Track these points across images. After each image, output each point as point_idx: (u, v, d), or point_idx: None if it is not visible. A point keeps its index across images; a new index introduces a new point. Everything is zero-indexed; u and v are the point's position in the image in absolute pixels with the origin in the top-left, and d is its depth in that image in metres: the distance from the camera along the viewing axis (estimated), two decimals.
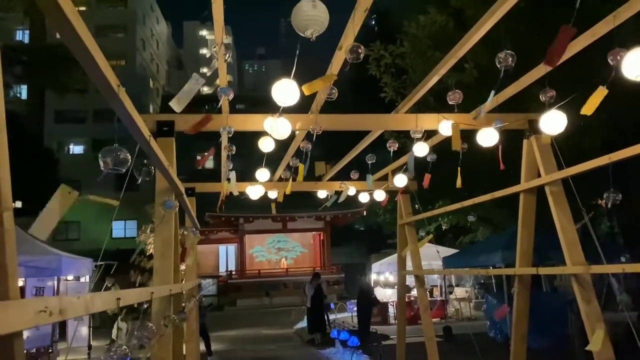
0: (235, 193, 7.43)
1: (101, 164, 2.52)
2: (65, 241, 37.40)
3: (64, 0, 1.89)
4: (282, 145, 6.58)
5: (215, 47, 3.90)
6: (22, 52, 21.46)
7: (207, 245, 30.88)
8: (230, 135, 5.93)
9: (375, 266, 23.22)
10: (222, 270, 33.69)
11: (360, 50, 3.81)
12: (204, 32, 76.80)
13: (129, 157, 2.61)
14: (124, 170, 2.66)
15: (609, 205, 4.86)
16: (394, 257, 17.54)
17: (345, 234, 36.06)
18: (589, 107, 4.09)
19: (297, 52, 3.36)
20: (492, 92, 4.97)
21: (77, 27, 2.02)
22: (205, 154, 7.08)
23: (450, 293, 22.34)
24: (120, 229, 37.11)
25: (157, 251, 5.05)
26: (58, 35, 2.07)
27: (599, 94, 4.02)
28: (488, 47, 7.32)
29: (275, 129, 4.92)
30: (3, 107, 1.58)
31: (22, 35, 38.17)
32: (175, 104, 3.91)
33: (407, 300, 14.11)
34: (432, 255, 14.18)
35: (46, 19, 1.90)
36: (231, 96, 4.89)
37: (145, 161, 3.97)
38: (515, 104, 6.33)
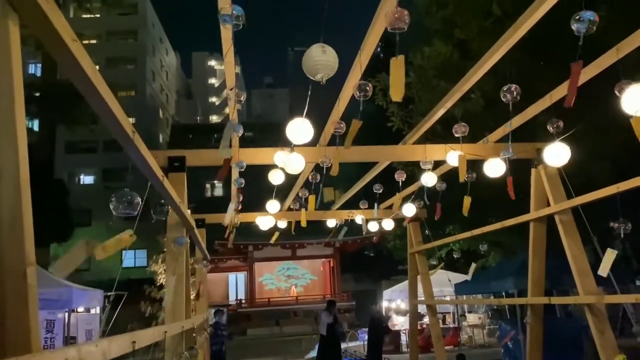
0: (225, 223, 7.45)
1: (112, 208, 2.58)
2: (76, 272, 37.44)
3: (81, 54, 1.98)
4: (291, 175, 6.64)
5: (226, 91, 3.99)
6: (35, 88, 21.78)
7: (216, 274, 30.79)
8: (242, 170, 6.00)
9: (386, 293, 23.00)
10: (231, 299, 33.50)
11: (368, 88, 3.90)
12: (212, 62, 77.88)
13: (140, 200, 2.67)
14: (136, 213, 2.72)
15: (620, 235, 4.85)
16: (405, 284, 17.40)
17: (355, 260, 35.83)
18: None
19: (308, 93, 3.44)
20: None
21: (95, 82, 2.11)
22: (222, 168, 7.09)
23: (463, 320, 22.04)
24: (130, 258, 37.13)
25: (169, 287, 5.08)
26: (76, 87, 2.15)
27: (637, 126, 3.98)
28: (494, 77, 7.42)
29: (288, 164, 4.98)
30: (27, 169, 1.64)
31: (35, 69, 38.90)
32: (224, 153, 4.00)
33: (419, 327, 13.96)
34: (444, 281, 14.05)
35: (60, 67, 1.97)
36: (241, 132, 4.97)
37: (162, 201, 4.03)
38: (522, 131, 6.37)
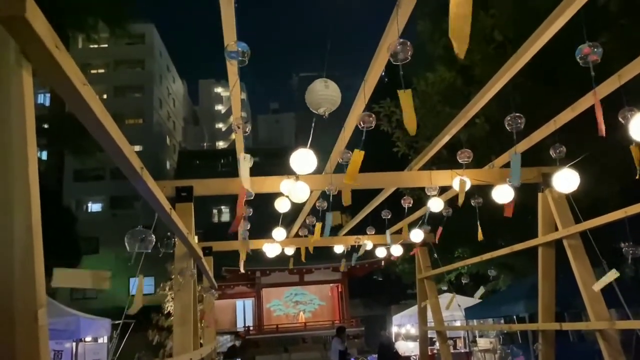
0: (248, 252, 7.44)
1: (127, 246, 2.61)
2: (83, 299, 37.40)
3: (91, 98, 2.03)
4: (297, 202, 6.67)
5: (234, 122, 4.04)
6: (44, 119, 22.07)
7: (224, 301, 30.58)
8: (251, 198, 6.02)
9: (396, 318, 22.75)
10: (239, 325, 33.20)
11: (371, 119, 3.95)
12: (219, 89, 78.80)
13: (154, 238, 2.70)
14: (150, 250, 2.75)
15: (629, 259, 4.82)
16: (414, 309, 17.22)
17: (363, 285, 35.54)
18: None
19: (313, 125, 3.48)
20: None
21: (104, 123, 2.16)
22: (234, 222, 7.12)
23: (474, 345, 21.69)
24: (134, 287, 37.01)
25: (177, 317, 5.07)
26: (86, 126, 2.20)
27: (637, 155, 4.01)
28: (498, 102, 7.48)
29: (294, 193, 5.01)
30: (39, 212, 1.68)
31: (44, 99, 39.45)
32: (246, 185, 4.04)
33: (430, 353, 13.77)
34: (453, 306, 13.90)
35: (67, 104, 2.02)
36: (251, 163, 5.00)
37: (168, 233, 4.06)
38: (528, 154, 6.38)
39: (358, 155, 4.29)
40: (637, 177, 3.92)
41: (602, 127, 3.56)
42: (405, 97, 3.13)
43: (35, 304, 1.66)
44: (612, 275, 5.14)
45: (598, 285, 5.22)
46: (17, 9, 1.48)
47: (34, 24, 1.54)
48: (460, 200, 5.66)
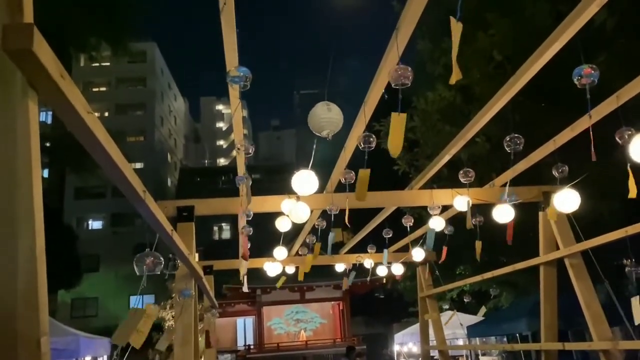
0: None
1: (136, 269, 2.63)
2: (83, 318, 37.17)
3: (95, 125, 2.06)
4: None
5: (236, 143, 4.07)
6: (45, 138, 22.14)
7: (224, 319, 30.38)
8: (249, 219, 6.04)
9: (398, 337, 22.57)
10: (240, 344, 32.95)
11: (372, 139, 3.98)
12: (220, 107, 79.20)
13: (162, 260, 2.72)
14: (159, 273, 2.77)
15: (633, 279, 4.81)
16: (416, 327, 17.10)
17: (365, 302, 35.33)
18: (632, 191, 4.06)
19: (314, 147, 3.51)
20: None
21: (108, 149, 2.18)
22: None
23: None
24: (138, 304, 36.79)
25: (178, 338, 5.05)
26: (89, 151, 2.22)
27: (631, 178, 4.04)
28: (498, 121, 7.53)
29: (294, 214, 5.02)
30: (43, 240, 1.69)
31: (46, 116, 39.68)
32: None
33: None
34: (455, 324, 13.82)
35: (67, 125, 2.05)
36: (249, 183, 5.03)
37: (170, 255, 4.07)
38: (528, 173, 6.39)
39: (364, 174, 4.29)
40: (628, 197, 3.94)
41: (594, 153, 3.60)
42: (399, 120, 3.16)
43: (39, 332, 1.67)
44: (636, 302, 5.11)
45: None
46: (25, 43, 1.51)
47: (41, 56, 1.57)
48: (468, 224, 5.66)
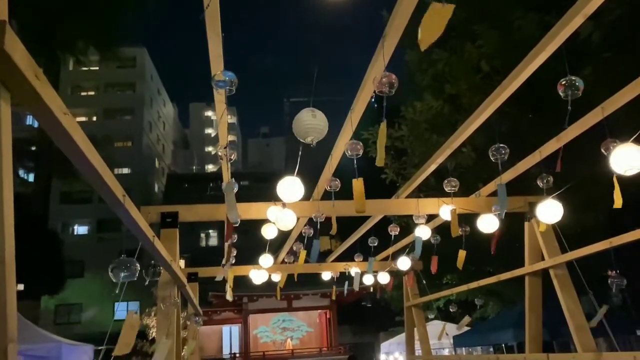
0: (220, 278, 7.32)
1: (112, 276, 2.58)
2: (67, 324, 36.67)
3: (71, 127, 2.01)
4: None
5: (219, 148, 4.03)
6: (31, 143, 21.91)
7: (210, 327, 30.13)
8: (236, 225, 5.98)
9: (384, 346, 22.51)
10: (225, 352, 32.69)
11: (359, 147, 3.96)
12: (209, 113, 78.92)
13: (138, 267, 2.67)
14: (136, 279, 2.72)
15: (614, 290, 4.82)
16: (403, 337, 17.07)
17: (352, 311, 35.24)
18: (618, 201, 4.08)
19: (299, 154, 3.48)
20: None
21: (85, 151, 2.13)
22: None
23: None
24: (123, 310, 36.41)
25: (160, 347, 4.96)
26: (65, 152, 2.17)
27: (617, 188, 4.07)
28: (484, 131, 7.57)
29: (280, 221, 4.98)
30: (13, 248, 1.64)
31: (32, 120, 39.31)
32: (231, 216, 3.99)
33: None
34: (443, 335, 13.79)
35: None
36: (236, 189, 4.99)
37: (152, 262, 4.01)
38: (515, 182, 6.41)
39: (358, 185, 4.23)
40: (613, 207, 3.97)
41: (559, 166, 3.63)
42: (382, 131, 3.19)
43: (6, 339, 1.62)
44: (603, 310, 5.27)
45: (593, 323, 5.30)
46: None
47: (14, 55, 1.53)
48: (454, 232, 5.65)
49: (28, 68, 1.63)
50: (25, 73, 1.61)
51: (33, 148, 21.72)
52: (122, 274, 2.62)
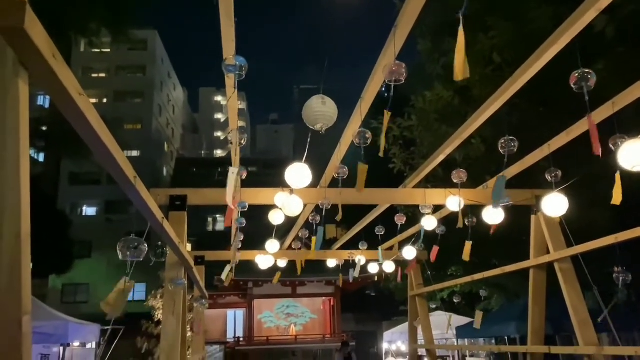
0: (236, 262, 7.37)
1: (120, 254, 2.63)
2: (74, 304, 37.14)
3: (86, 107, 2.05)
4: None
5: (230, 131, 4.06)
6: (42, 122, 22.01)
7: (215, 310, 30.41)
8: (245, 210, 6.02)
9: (387, 335, 22.64)
10: (230, 336, 33.00)
11: (367, 136, 3.98)
12: (219, 98, 78.95)
13: (146, 247, 2.72)
14: (142, 259, 2.76)
15: (619, 286, 4.84)
16: (406, 326, 17.17)
17: (356, 299, 35.41)
18: (617, 197, 4.09)
19: (308, 140, 3.51)
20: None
21: (99, 132, 2.17)
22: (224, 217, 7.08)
23: None
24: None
25: (166, 327, 5.05)
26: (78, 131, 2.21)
27: (618, 182, 4.07)
28: (494, 124, 7.55)
29: (287, 207, 5.02)
30: (29, 222, 1.69)
31: (44, 100, 39.48)
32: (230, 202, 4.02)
33: None
34: (444, 324, 13.87)
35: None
36: (244, 176, 5.02)
37: (159, 243, 4.06)
38: (524, 176, 6.40)
39: (362, 168, 4.33)
40: (611, 203, 3.98)
41: (598, 146, 3.60)
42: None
43: (21, 311, 1.67)
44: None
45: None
46: (16, 20, 1.50)
47: (32, 34, 1.56)
48: (460, 223, 5.68)
49: (46, 48, 1.66)
50: (44, 52, 1.65)
51: (44, 128, 21.83)
52: (130, 253, 2.67)
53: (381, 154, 3.43)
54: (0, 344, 1.65)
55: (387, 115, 3.25)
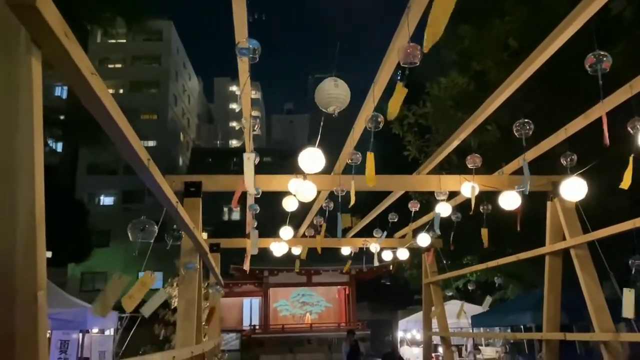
0: (255, 252, 7.42)
1: (130, 236, 2.65)
2: (92, 292, 37.73)
3: (99, 87, 2.07)
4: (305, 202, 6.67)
5: (244, 120, 4.08)
6: (60, 112, 22.23)
7: (231, 299, 30.67)
8: (258, 196, 6.04)
9: (402, 323, 22.67)
10: (245, 324, 33.30)
11: (379, 120, 3.96)
12: (234, 88, 79.05)
13: (156, 228, 2.74)
14: (152, 240, 2.78)
15: (633, 272, 4.78)
16: (421, 315, 17.16)
17: (371, 288, 35.44)
18: (627, 182, 4.04)
19: (321, 123, 3.50)
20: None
21: (112, 112, 2.19)
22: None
23: (478, 353, 21.47)
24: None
25: (181, 312, 5.11)
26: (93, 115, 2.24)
27: (630, 168, 4.02)
28: (510, 109, 7.46)
29: (301, 192, 5.03)
30: (43, 201, 1.72)
31: (61, 91, 39.87)
32: (251, 189, 4.03)
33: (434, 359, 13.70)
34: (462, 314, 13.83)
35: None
36: (257, 161, 5.04)
37: (174, 226, 4.10)
38: (538, 162, 6.33)
39: (370, 157, 4.31)
40: (620, 187, 3.92)
41: (607, 138, 3.55)
42: (400, 91, 3.25)
43: (36, 286, 1.71)
44: (628, 295, 5.06)
45: (628, 313, 5.06)
46: None
47: (45, 12, 1.58)
48: (473, 208, 5.64)
49: (58, 25, 1.68)
50: (56, 30, 1.66)
51: (61, 117, 22.07)
52: (140, 234, 2.69)
53: (391, 117, 3.41)
54: (18, 317, 1.69)
55: (399, 86, 3.22)
